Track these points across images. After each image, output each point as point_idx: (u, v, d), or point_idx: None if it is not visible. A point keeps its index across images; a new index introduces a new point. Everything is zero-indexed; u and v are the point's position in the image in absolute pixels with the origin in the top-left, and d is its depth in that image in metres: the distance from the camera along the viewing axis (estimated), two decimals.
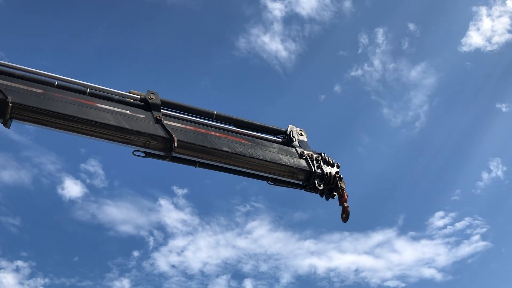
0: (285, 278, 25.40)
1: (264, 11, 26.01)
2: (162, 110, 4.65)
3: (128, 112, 4.37)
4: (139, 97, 4.63)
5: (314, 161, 5.09)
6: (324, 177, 5.03)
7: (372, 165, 27.37)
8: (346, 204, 4.95)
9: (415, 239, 26.25)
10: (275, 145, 5.07)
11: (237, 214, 26.30)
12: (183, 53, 26.89)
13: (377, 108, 27.31)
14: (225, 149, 4.64)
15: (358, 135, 26.85)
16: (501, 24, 25.80)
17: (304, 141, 5.40)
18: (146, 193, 26.31)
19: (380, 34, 26.35)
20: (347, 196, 5.03)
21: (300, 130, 5.50)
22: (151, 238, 25.08)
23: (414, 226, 26.79)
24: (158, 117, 4.47)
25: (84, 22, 25.53)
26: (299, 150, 5.06)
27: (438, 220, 25.88)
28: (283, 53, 25.92)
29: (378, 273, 25.72)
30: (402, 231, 26.23)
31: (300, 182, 5.06)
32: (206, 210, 26.64)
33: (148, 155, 4.65)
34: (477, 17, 26.31)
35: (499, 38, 25.61)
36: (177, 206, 25.66)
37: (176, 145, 4.32)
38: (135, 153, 4.67)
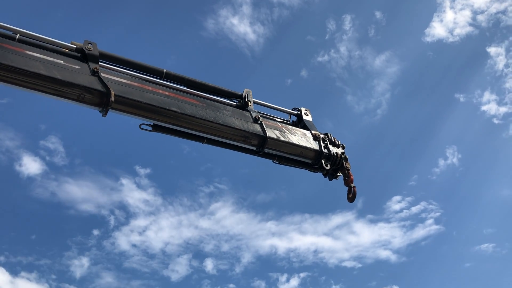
0: (246, 258, 25.69)
1: None
2: (104, 64, 4.32)
3: (61, 62, 3.97)
4: (75, 47, 4.26)
5: (321, 141, 5.12)
6: (331, 157, 5.07)
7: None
8: (352, 185, 5.02)
9: (373, 222, 27.08)
10: (229, 108, 4.80)
11: (200, 195, 26.27)
12: (150, 31, 26.30)
13: (341, 94, 27.75)
14: (174, 108, 4.30)
15: (322, 120, 26.95)
16: (463, 17, 26.60)
17: (309, 121, 5.43)
18: (108, 172, 25.77)
19: (347, 21, 26.63)
20: (353, 176, 5.08)
21: (306, 110, 5.52)
22: (112, 217, 24.72)
23: (372, 210, 27.56)
24: (95, 69, 4.08)
25: (44, 5, 24.40)
26: (254, 114, 4.86)
27: (395, 204, 26.79)
28: (252, 36, 25.82)
29: (336, 254, 26.42)
30: (361, 214, 27.01)
31: (309, 161, 5.08)
32: (169, 190, 26.43)
33: (155, 128, 4.52)
34: (441, 9, 27.02)
35: (461, 31, 26.42)
36: (139, 186, 25.32)
37: (113, 99, 3.94)
38: (142, 126, 4.53)
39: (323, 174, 5.24)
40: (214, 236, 25.85)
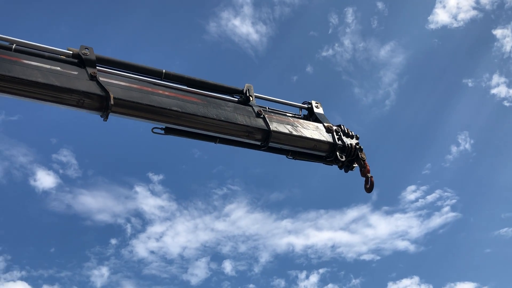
0: (264, 257, 25.63)
1: None
2: (102, 68, 4.31)
3: (58, 68, 3.96)
4: (71, 53, 4.25)
5: (334, 133, 5.05)
6: (345, 148, 5.00)
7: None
8: (369, 175, 4.95)
9: (389, 213, 26.89)
10: (230, 104, 4.75)
11: (214, 198, 26.25)
12: (153, 39, 26.32)
13: (348, 87, 27.59)
14: (175, 108, 4.26)
15: (331, 114, 26.76)
16: (466, 1, 26.32)
17: (321, 114, 5.37)
18: (121, 181, 25.88)
19: (349, 14, 26.47)
20: (369, 166, 5.01)
21: (317, 103, 5.46)
22: (129, 226, 24.79)
23: (387, 201, 27.38)
24: (92, 74, 4.05)
25: (48, 14, 24.55)
26: (256, 109, 4.78)
27: (410, 194, 26.57)
28: (254, 36, 25.74)
29: (354, 248, 26.27)
30: (376, 207, 26.82)
31: (324, 154, 5.02)
32: (183, 195, 26.46)
33: (168, 131, 4.50)
34: None
35: (465, 15, 26.15)
36: (153, 193, 25.36)
37: (112, 102, 3.92)
38: (154, 130, 4.51)
39: (338, 167, 5.18)
40: (231, 237, 25.86)
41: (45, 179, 23.67)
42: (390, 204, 27.01)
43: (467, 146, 26.63)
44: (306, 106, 5.43)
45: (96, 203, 25.04)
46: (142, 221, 24.99)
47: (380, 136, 28.70)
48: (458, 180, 27.91)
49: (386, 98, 27.24)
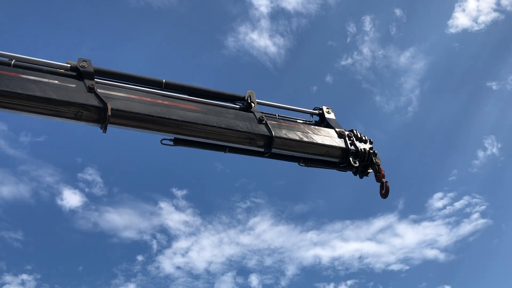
0: (290, 270, 25.31)
1: (251, 9, 25.78)
2: (100, 80, 4.30)
3: (56, 82, 3.97)
4: (70, 66, 4.26)
5: (347, 138, 4.94)
6: (358, 153, 4.88)
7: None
8: (384, 180, 4.81)
9: (416, 221, 26.31)
10: (231, 111, 4.69)
11: (238, 211, 26.12)
12: (173, 56, 26.58)
13: (369, 96, 27.25)
14: (174, 117, 4.22)
15: (353, 123, 26.60)
16: (486, 3, 25.86)
17: (333, 119, 5.27)
18: (146, 197, 25.99)
19: (367, 22, 26.27)
20: (384, 171, 4.87)
21: (328, 108, 5.36)
22: (155, 242, 24.82)
23: (414, 209, 26.79)
24: (90, 86, 4.04)
25: (71, 33, 25.10)
26: (258, 115, 4.70)
27: (437, 201, 25.97)
28: (272, 49, 25.74)
29: (382, 258, 25.75)
30: (403, 215, 26.27)
31: (337, 160, 4.90)
32: (207, 209, 26.40)
33: (176, 142, 4.46)
34: None
35: (485, 18, 25.68)
36: (177, 208, 25.40)
37: (110, 113, 3.90)
38: (163, 142, 4.48)
39: (353, 173, 5.04)
40: (256, 251, 25.65)
41: (71, 198, 23.97)
42: (417, 212, 26.47)
43: (494, 150, 25.99)
44: (317, 112, 5.34)
45: (122, 220, 25.24)
46: (168, 236, 25.04)
47: (404, 144, 28.28)
48: (487, 185, 27.22)
49: (408, 104, 26.86)
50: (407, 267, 25.43)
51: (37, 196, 23.72)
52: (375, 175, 4.90)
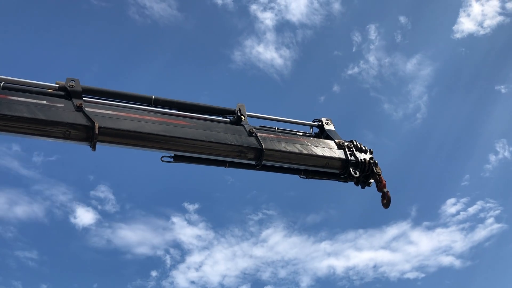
0: (305, 281, 25.17)
1: (256, 22, 25.99)
2: (88, 99, 4.33)
3: (44, 102, 3.99)
4: (58, 86, 4.28)
5: (346, 149, 4.95)
6: (359, 164, 4.88)
7: (378, 161, 27.12)
8: (385, 190, 4.81)
9: (430, 228, 26.08)
10: (221, 125, 4.69)
11: (250, 224, 26.10)
12: (180, 72, 26.81)
13: (377, 104, 27.21)
14: (162, 133, 4.23)
15: (362, 132, 26.63)
16: (491, 7, 25.79)
17: (332, 130, 5.29)
18: (158, 213, 26.11)
19: (372, 31, 26.31)
20: (385, 181, 4.86)
21: (327, 120, 5.38)
22: (168, 257, 24.85)
23: (428, 216, 26.56)
24: (78, 105, 4.06)
25: (80, 52, 25.45)
26: (247, 128, 4.70)
27: (451, 207, 25.74)
28: (279, 61, 25.87)
29: (396, 267, 25.51)
30: (416, 222, 26.07)
31: (337, 172, 4.91)
32: (220, 223, 26.40)
33: (177, 159, 4.51)
34: (466, 3, 26.32)
35: (491, 22, 25.59)
36: (190, 222, 25.45)
37: (97, 131, 3.93)
38: (163, 159, 4.53)
39: (354, 183, 5.05)
40: (270, 263, 25.55)
41: (84, 216, 24.15)
42: (431, 219, 26.25)
43: (506, 153, 25.73)
44: (316, 124, 5.36)
45: (135, 236, 25.34)
46: (181, 251, 25.06)
47: (414, 150, 28.11)
48: (500, 189, 26.91)
49: (417, 111, 26.74)
50: (423, 275, 25.18)
51: (50, 215, 23.96)
52: (377, 185, 4.90)
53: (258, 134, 4.69)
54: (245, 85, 27.10)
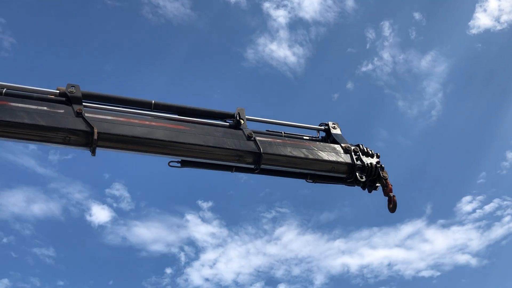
0: (319, 279, 25.14)
1: (269, 20, 25.95)
2: (89, 104, 4.38)
3: (45, 108, 4.05)
4: (59, 92, 4.33)
5: (353, 153, 4.95)
6: (365, 168, 4.88)
7: (393, 158, 26.86)
8: (392, 194, 4.80)
9: (445, 226, 25.83)
10: (220, 129, 4.71)
11: (263, 222, 26.14)
12: (193, 71, 26.91)
13: (391, 101, 27.00)
14: (161, 138, 4.28)
15: (376, 130, 26.53)
16: (508, 2, 25.40)
17: (338, 134, 5.29)
18: (172, 210, 26.29)
19: (386, 27, 26.10)
20: (392, 185, 4.85)
21: (333, 124, 5.38)
22: (182, 254, 25.04)
23: (443, 214, 26.34)
24: (78, 110, 4.12)
25: (94, 51, 25.70)
26: (246, 132, 4.70)
27: (466, 205, 25.45)
28: (292, 59, 25.80)
29: (411, 265, 25.33)
30: (431, 220, 25.85)
31: (344, 176, 4.91)
32: (233, 220, 26.53)
33: (184, 164, 4.55)
34: None
35: (508, 16, 25.20)
36: (204, 220, 25.60)
37: (96, 137, 3.99)
38: (170, 164, 4.57)
39: (361, 187, 5.05)
40: (284, 261, 25.58)
41: (100, 214, 24.43)
42: (446, 217, 25.99)
43: None
44: (323, 128, 5.36)
45: (150, 234, 25.56)
46: (195, 249, 25.23)
47: (429, 148, 27.89)
48: None
49: (432, 108, 26.48)
50: (438, 273, 24.98)
51: (67, 213, 24.29)
52: (383, 189, 4.89)
53: (260, 138, 4.71)
54: (258, 84, 27.13)
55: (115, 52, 26.10)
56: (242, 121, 4.84)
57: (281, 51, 25.82)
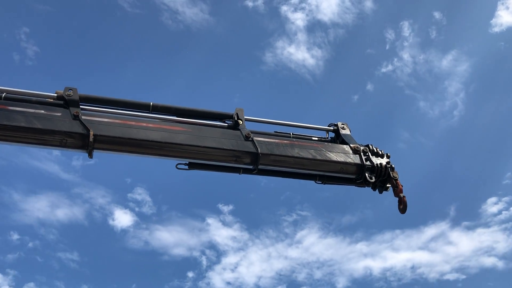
0: (341, 283, 24.95)
1: (287, 23, 25.97)
2: (86, 107, 4.40)
3: (42, 111, 4.10)
4: (56, 95, 4.37)
5: (362, 154, 4.88)
6: (374, 169, 4.80)
7: (415, 160, 26.61)
8: (402, 195, 4.71)
9: (470, 228, 25.37)
10: (218, 130, 4.70)
11: (284, 225, 26.09)
12: (212, 75, 27.08)
13: (412, 102, 26.70)
14: (157, 139, 4.28)
15: (397, 131, 26.26)
16: None
17: (348, 135, 5.22)
18: (194, 214, 26.52)
19: (405, 27, 25.84)
20: (402, 186, 4.77)
21: (343, 124, 5.31)
22: (204, 258, 25.18)
23: (468, 216, 25.87)
24: (75, 113, 4.16)
25: (115, 58, 26.07)
26: (244, 132, 4.66)
27: (492, 206, 24.97)
28: (311, 61, 25.75)
29: (435, 268, 24.96)
30: (456, 222, 25.42)
31: (353, 177, 4.85)
32: (254, 224, 26.54)
33: (191, 166, 4.56)
34: None
35: None
36: (225, 223, 25.68)
37: (91, 139, 4.02)
38: (178, 166, 4.59)
39: (371, 188, 4.97)
40: (305, 264, 25.47)
41: (122, 218, 24.77)
42: (471, 218, 25.53)
43: None
44: (332, 128, 5.30)
45: (172, 238, 25.76)
46: (217, 252, 25.33)
47: (452, 148, 27.45)
48: None
49: (454, 108, 26.08)
50: (464, 276, 24.51)
51: (90, 217, 24.67)
52: (393, 190, 4.81)
53: (261, 139, 4.68)
54: (277, 86, 27.11)
55: (136, 58, 26.46)
56: (240, 122, 4.81)
57: (300, 53, 25.81)
